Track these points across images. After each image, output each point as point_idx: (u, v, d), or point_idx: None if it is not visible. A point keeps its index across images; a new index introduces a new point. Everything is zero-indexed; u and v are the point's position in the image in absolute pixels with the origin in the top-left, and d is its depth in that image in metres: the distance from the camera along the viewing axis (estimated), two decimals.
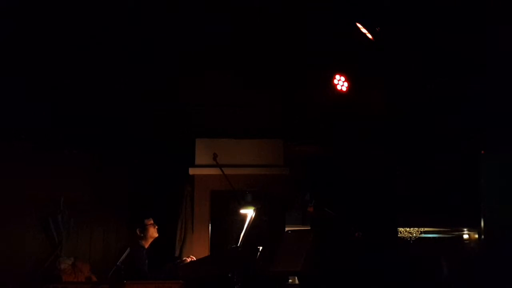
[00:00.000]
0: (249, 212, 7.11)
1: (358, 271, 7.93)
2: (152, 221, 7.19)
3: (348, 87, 6.98)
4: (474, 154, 8.59)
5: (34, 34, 6.10)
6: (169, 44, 6.44)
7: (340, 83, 6.99)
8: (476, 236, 10.12)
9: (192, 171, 8.72)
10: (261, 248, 6.57)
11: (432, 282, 8.93)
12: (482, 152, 8.51)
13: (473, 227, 10.02)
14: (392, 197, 8.80)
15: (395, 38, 6.31)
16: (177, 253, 8.44)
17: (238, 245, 6.72)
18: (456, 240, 11.07)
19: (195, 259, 7.30)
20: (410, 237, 11.10)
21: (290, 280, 7.34)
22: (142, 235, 7.12)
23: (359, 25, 6.12)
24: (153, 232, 7.17)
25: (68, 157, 8.26)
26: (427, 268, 9.17)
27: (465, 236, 11.19)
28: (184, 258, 7.49)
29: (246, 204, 7.32)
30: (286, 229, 8.39)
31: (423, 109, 7.66)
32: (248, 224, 6.91)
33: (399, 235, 10.08)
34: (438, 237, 11.36)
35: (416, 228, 10.97)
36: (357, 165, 8.63)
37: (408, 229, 10.99)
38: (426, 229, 11.00)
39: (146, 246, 7.15)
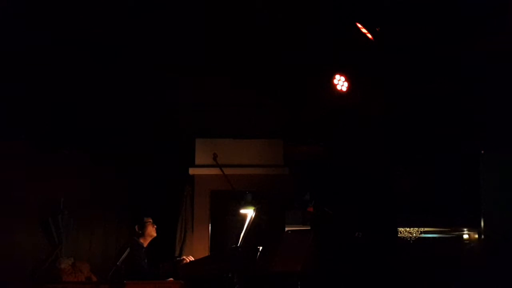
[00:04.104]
0: (249, 212, 7.11)
1: (358, 271, 7.93)
2: (151, 220, 7.20)
3: (348, 87, 6.98)
4: (474, 154, 8.59)
5: (35, 35, 6.10)
6: (169, 44, 6.44)
7: (340, 83, 6.99)
8: (476, 236, 10.13)
9: (192, 171, 8.72)
10: (261, 248, 6.57)
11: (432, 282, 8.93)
12: (482, 152, 8.51)
13: (473, 227, 10.02)
14: (392, 197, 8.80)
15: (395, 38, 6.31)
16: (177, 253, 8.44)
17: (238, 245, 6.73)
18: (456, 240, 11.07)
19: (193, 259, 7.31)
20: (410, 237, 11.10)
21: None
22: (140, 232, 7.13)
23: (359, 25, 6.12)
24: (151, 231, 7.18)
25: (68, 157, 8.26)
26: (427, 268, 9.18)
27: (465, 236, 11.19)
28: (183, 257, 7.49)
29: (246, 204, 7.32)
30: (286, 229, 8.39)
31: (423, 109, 7.66)
32: (248, 224, 6.91)
33: (399, 235, 10.09)
34: (438, 237, 11.36)
35: (416, 228, 10.97)
36: (357, 165, 8.64)
37: (408, 229, 10.99)
38: (426, 229, 11.00)
39: (145, 244, 7.15)
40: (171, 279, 6.82)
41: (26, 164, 7.85)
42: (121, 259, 7.10)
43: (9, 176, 7.65)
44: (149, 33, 6.24)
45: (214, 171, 8.16)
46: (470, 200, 8.83)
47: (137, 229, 7.14)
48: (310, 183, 8.87)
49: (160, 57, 6.69)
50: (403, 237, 10.98)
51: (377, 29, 6.15)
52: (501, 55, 6.51)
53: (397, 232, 9.61)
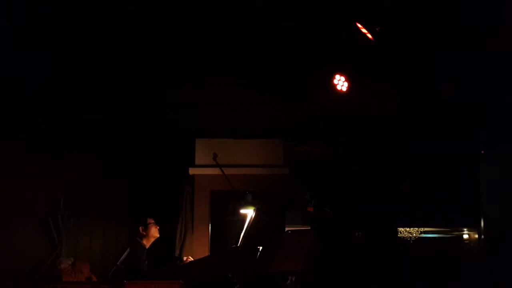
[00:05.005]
0: (249, 212, 7.12)
1: (358, 271, 7.93)
2: (153, 221, 7.21)
3: (348, 87, 6.98)
4: (474, 154, 8.59)
5: (34, 34, 6.10)
6: (169, 44, 6.44)
7: (340, 83, 6.99)
8: (476, 236, 10.13)
9: (192, 171, 8.72)
10: (261, 248, 6.57)
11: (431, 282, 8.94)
12: (482, 152, 8.51)
13: (473, 227, 10.03)
14: (392, 197, 8.80)
15: (395, 38, 6.30)
16: (177, 253, 8.44)
17: (238, 245, 6.73)
18: (456, 240, 11.08)
19: (192, 259, 7.32)
20: (410, 237, 11.11)
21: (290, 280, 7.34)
22: (144, 233, 7.13)
23: (359, 25, 6.12)
24: (154, 232, 7.17)
25: (68, 157, 8.26)
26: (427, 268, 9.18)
27: (465, 236, 11.20)
28: (185, 258, 7.50)
29: (246, 204, 7.32)
30: (286, 229, 8.39)
31: (423, 109, 7.66)
32: (248, 224, 6.92)
33: (399, 235, 10.10)
34: (438, 237, 11.36)
35: (416, 228, 10.98)
36: (357, 164, 8.64)
37: (408, 229, 11.00)
38: (426, 229, 11.01)
39: (148, 245, 7.15)
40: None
41: (26, 164, 7.86)
42: (121, 259, 7.11)
43: (9, 176, 7.66)
44: (149, 33, 6.24)
45: (214, 171, 8.16)
46: (470, 200, 8.82)
47: (141, 231, 7.13)
48: (310, 183, 8.88)
49: (160, 57, 6.69)
50: (403, 237, 10.99)
51: (377, 29, 6.14)
52: (501, 54, 6.51)
53: (397, 232, 9.62)
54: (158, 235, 7.21)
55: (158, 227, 7.22)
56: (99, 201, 8.45)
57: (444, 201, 9.13)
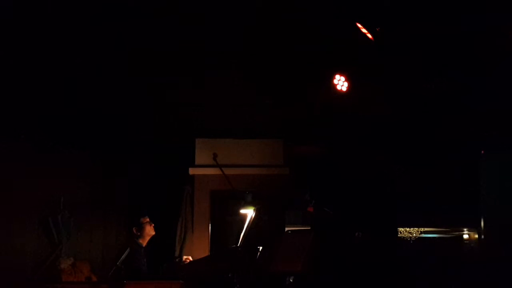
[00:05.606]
0: (249, 212, 7.12)
1: (358, 271, 7.93)
2: (148, 219, 7.19)
3: (348, 87, 6.98)
4: (474, 154, 8.59)
5: (34, 33, 6.10)
6: (169, 44, 6.44)
7: (340, 83, 6.98)
8: (476, 236, 10.12)
9: (192, 171, 8.73)
10: (261, 248, 6.57)
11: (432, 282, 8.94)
12: (482, 152, 8.51)
13: (473, 227, 10.02)
14: (392, 197, 8.80)
15: (395, 38, 6.30)
16: (177, 253, 8.45)
17: (238, 245, 6.73)
18: (456, 240, 11.07)
19: (191, 259, 7.32)
20: (410, 237, 11.11)
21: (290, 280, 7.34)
22: (138, 233, 7.12)
23: (359, 25, 6.12)
24: (149, 230, 7.16)
25: (68, 157, 8.26)
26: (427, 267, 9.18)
27: (465, 236, 11.19)
28: (185, 258, 7.50)
29: (246, 204, 7.32)
30: (286, 229, 8.40)
31: (423, 109, 7.66)
32: (248, 224, 6.92)
33: (399, 235, 10.09)
34: (438, 237, 11.36)
35: (416, 228, 10.98)
36: (357, 165, 8.64)
37: (408, 229, 10.99)
38: (426, 229, 11.01)
39: (144, 244, 7.15)
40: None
41: (26, 164, 7.86)
42: (121, 259, 7.12)
43: (9, 176, 7.66)
44: (149, 33, 6.24)
45: (214, 171, 8.16)
46: (470, 200, 8.82)
47: (135, 231, 7.12)
48: (310, 183, 8.87)
49: (160, 57, 6.68)
50: (403, 237, 10.98)
51: (377, 29, 6.14)
52: (502, 54, 6.50)
53: (397, 232, 9.62)
54: (153, 233, 7.20)
55: (153, 225, 7.21)
56: (99, 201, 8.46)
57: (444, 201, 9.13)
